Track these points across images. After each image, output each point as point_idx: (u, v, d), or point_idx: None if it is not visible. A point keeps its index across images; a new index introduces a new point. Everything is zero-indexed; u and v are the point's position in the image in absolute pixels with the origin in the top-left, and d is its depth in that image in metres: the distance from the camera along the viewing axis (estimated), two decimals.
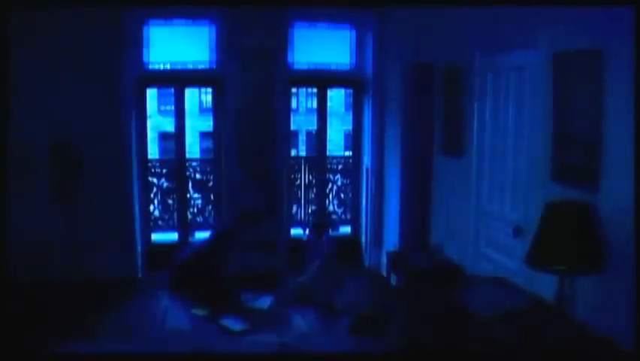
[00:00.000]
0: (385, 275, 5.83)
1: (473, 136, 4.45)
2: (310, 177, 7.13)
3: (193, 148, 18.99)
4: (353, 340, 4.84)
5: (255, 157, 6.36)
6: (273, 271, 6.20)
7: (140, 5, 5.81)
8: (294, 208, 7.06)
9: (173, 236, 6.76)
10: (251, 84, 6.25)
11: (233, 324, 5.07)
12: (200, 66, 6.49)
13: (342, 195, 7.17)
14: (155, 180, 6.75)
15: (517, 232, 3.81)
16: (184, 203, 6.76)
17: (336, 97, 20.29)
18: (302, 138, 21.94)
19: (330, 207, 7.13)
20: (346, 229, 7.17)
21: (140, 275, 6.29)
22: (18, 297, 4.92)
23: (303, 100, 21.28)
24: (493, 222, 4.27)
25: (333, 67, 6.91)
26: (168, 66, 6.76)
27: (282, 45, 6.30)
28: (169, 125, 15.00)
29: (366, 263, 6.78)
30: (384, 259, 6.00)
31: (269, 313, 5.42)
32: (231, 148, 6.38)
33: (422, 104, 5.47)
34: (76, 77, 5.76)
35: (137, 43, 6.13)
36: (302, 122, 19.76)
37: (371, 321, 5.03)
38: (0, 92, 4.54)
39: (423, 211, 5.50)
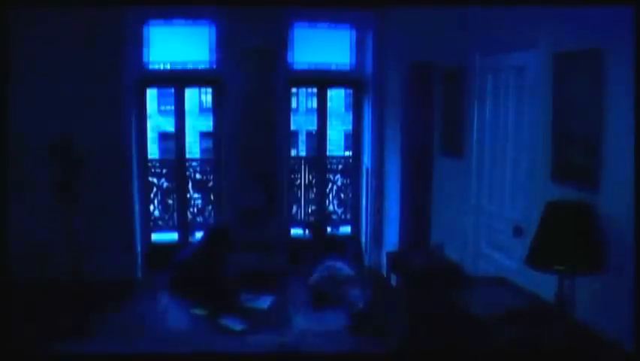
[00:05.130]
0: (385, 275, 5.83)
1: (473, 136, 4.44)
2: (310, 177, 7.13)
3: (193, 148, 19.01)
4: (353, 340, 4.85)
5: (255, 157, 6.36)
6: (273, 271, 6.20)
7: (140, 5, 5.81)
8: (294, 208, 7.06)
9: (173, 236, 6.77)
10: (251, 84, 6.25)
11: (234, 324, 5.07)
12: (200, 66, 6.50)
13: (342, 195, 7.17)
14: (155, 180, 6.76)
15: (517, 231, 3.81)
16: (184, 203, 6.76)
17: (336, 97, 20.30)
18: (302, 138, 21.94)
19: (330, 207, 7.13)
20: (346, 229, 7.18)
21: (140, 275, 6.29)
22: (18, 297, 4.92)
23: (303, 100, 21.29)
24: (493, 222, 4.27)
25: (333, 67, 6.92)
26: (168, 66, 6.77)
27: (282, 45, 6.31)
28: (169, 125, 15.01)
29: (366, 263, 6.78)
30: (384, 259, 6.00)
31: (269, 313, 5.42)
32: (231, 148, 6.38)
33: (422, 104, 5.47)
34: (76, 77, 5.77)
35: (137, 43, 6.14)
36: (302, 122, 19.78)
37: (371, 321, 5.03)
38: (0, 92, 4.53)
39: (423, 211, 5.50)
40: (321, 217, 6.94)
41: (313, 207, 7.09)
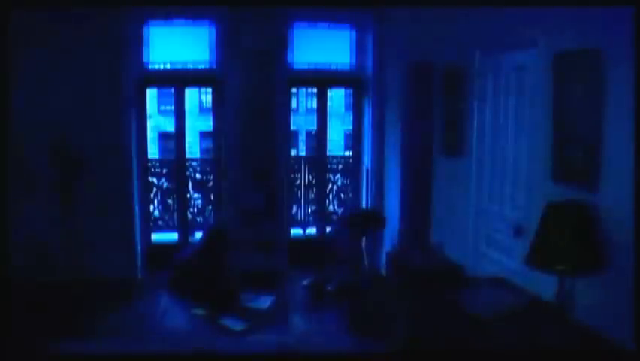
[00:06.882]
0: (385, 275, 5.83)
1: (473, 136, 4.45)
2: (310, 177, 7.13)
3: (193, 148, 19.01)
4: (353, 340, 4.84)
5: (255, 157, 6.35)
6: (273, 271, 6.20)
7: (140, 5, 5.81)
8: (294, 208, 7.06)
9: (173, 236, 6.77)
10: (251, 84, 6.25)
11: (234, 324, 5.07)
12: (200, 66, 6.50)
13: (342, 195, 7.17)
14: (155, 180, 6.76)
15: (518, 231, 3.81)
16: (184, 203, 6.76)
17: (336, 97, 20.30)
18: (302, 138, 21.94)
19: (330, 207, 7.13)
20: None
21: (140, 275, 6.29)
22: (18, 297, 4.92)
23: (303, 100, 21.28)
24: (493, 223, 4.27)
25: (333, 67, 6.91)
26: (168, 66, 6.76)
27: (282, 45, 6.30)
28: (169, 125, 15.00)
29: (366, 263, 6.77)
30: (384, 259, 6.00)
31: (269, 313, 5.42)
32: (231, 148, 6.38)
33: (422, 104, 5.47)
34: (76, 77, 5.76)
35: (137, 43, 6.13)
36: (302, 122, 19.77)
37: (370, 320, 5.02)
38: (0, 92, 4.53)
39: (423, 211, 5.50)
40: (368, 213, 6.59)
41: (313, 207, 7.09)
